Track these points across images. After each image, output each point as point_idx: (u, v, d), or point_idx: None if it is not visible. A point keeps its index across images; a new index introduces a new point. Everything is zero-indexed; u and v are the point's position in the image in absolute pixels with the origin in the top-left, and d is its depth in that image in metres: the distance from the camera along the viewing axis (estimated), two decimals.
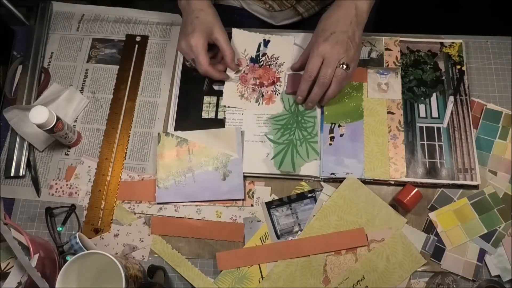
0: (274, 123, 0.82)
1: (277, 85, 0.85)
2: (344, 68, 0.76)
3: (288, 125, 0.82)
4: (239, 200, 0.79)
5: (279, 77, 0.86)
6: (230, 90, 0.85)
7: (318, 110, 0.83)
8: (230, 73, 0.86)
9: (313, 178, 0.80)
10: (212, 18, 0.81)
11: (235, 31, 0.89)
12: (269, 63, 0.87)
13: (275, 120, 0.83)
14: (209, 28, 0.80)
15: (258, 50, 0.88)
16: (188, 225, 0.78)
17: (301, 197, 0.78)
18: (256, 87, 0.85)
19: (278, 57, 0.87)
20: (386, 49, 0.87)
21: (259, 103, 0.84)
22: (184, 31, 0.80)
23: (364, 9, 0.78)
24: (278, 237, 0.76)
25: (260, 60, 0.88)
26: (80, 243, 0.70)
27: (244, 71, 0.87)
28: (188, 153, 0.80)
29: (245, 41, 0.89)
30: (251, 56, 0.88)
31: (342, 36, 0.76)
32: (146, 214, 0.79)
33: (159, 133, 0.82)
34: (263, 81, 0.86)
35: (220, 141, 0.81)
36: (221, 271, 0.75)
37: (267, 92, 0.85)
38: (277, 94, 0.84)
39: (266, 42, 0.89)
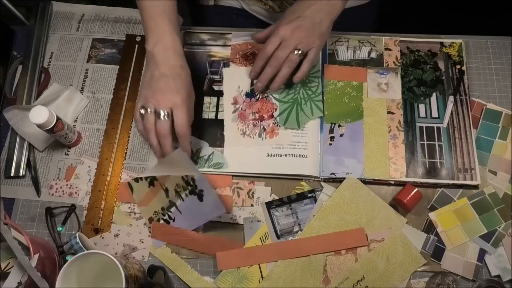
0: None
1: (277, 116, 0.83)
2: (298, 54, 0.76)
3: (293, 84, 0.82)
4: (224, 213, 0.77)
5: (278, 108, 0.83)
6: (231, 130, 0.82)
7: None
8: (228, 112, 0.83)
9: (313, 178, 0.80)
10: (190, 80, 0.76)
11: (225, 70, 0.87)
12: (266, 95, 0.84)
13: None
14: (190, 91, 0.75)
15: (252, 84, 0.84)
16: (187, 237, 0.76)
17: (301, 197, 0.78)
18: (257, 122, 0.82)
19: None
20: (386, 49, 0.87)
21: (262, 138, 0.81)
22: (166, 85, 0.72)
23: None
24: (278, 237, 0.76)
25: (256, 94, 0.84)
26: (80, 243, 0.70)
27: (241, 108, 0.84)
28: (162, 188, 0.78)
29: (236, 77, 0.86)
30: (246, 91, 0.85)
31: (307, 21, 0.76)
32: None
33: (128, 182, 0.79)
34: (263, 114, 0.83)
35: (175, 167, 0.76)
36: (221, 271, 0.75)
37: (269, 125, 0.82)
38: (279, 126, 0.82)
39: None
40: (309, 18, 0.76)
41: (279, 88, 0.81)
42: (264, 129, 0.82)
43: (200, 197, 0.75)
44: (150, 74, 0.74)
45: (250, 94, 0.85)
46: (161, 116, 0.71)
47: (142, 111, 0.72)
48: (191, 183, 0.75)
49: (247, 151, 0.81)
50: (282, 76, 0.79)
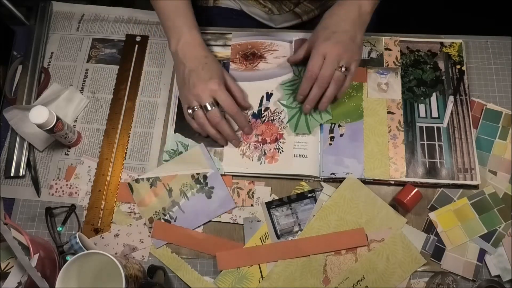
0: (285, 89, 0.83)
1: (280, 142, 0.81)
2: (343, 71, 0.76)
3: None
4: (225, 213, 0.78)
5: (282, 134, 0.81)
6: (231, 150, 0.81)
7: None
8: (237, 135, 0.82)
9: (313, 178, 0.80)
10: (219, 64, 0.80)
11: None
12: (272, 118, 0.83)
13: (286, 86, 0.84)
14: (221, 73, 0.78)
15: (261, 104, 0.84)
16: (189, 236, 0.77)
17: (301, 197, 0.78)
18: (258, 144, 0.81)
19: (282, 111, 0.83)
20: (386, 49, 0.87)
21: (261, 162, 0.80)
22: (197, 77, 0.75)
23: (367, 10, 0.78)
24: (278, 237, 0.76)
25: (263, 115, 0.83)
26: (80, 243, 0.70)
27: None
28: (165, 188, 0.79)
29: (247, 95, 0.85)
30: (253, 112, 0.83)
31: (344, 36, 0.76)
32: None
33: (129, 183, 0.80)
34: (266, 137, 0.81)
35: (189, 164, 0.79)
36: (221, 271, 0.75)
37: (270, 150, 0.80)
38: (280, 152, 0.80)
39: (268, 96, 0.84)
40: (346, 32, 0.76)
41: (327, 107, 0.80)
42: (265, 153, 0.80)
43: (209, 194, 0.78)
44: (181, 73, 0.78)
45: (257, 115, 0.83)
46: (208, 108, 0.75)
47: (190, 111, 0.77)
48: (202, 181, 0.78)
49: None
50: (330, 96, 0.78)
